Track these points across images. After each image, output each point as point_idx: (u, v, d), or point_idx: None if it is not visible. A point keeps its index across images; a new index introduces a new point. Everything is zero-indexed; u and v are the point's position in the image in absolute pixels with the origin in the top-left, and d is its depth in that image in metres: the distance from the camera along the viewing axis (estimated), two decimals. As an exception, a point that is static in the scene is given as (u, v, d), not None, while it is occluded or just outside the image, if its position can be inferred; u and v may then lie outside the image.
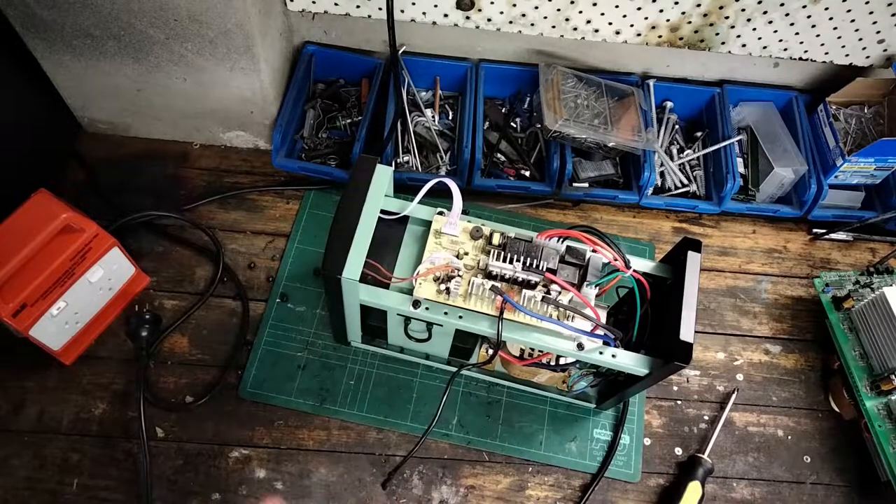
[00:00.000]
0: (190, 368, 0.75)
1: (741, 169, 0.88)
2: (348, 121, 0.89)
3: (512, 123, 0.91)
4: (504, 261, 0.58)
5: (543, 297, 0.57)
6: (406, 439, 0.73)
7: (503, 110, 0.92)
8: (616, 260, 0.60)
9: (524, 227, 0.86)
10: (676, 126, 0.93)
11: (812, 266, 0.88)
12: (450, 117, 0.92)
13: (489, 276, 0.59)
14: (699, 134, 0.91)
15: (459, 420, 0.74)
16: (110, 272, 0.71)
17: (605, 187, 0.88)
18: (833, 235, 0.89)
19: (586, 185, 0.87)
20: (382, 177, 0.61)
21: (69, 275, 0.66)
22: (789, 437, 0.77)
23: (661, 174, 0.90)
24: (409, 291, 0.60)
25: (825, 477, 0.75)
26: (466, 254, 0.61)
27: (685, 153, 0.91)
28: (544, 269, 0.58)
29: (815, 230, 0.89)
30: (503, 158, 0.90)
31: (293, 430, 0.73)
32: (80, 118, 0.87)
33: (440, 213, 0.63)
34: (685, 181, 0.90)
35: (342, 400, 0.74)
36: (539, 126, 0.88)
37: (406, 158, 0.87)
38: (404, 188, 0.87)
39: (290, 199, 0.86)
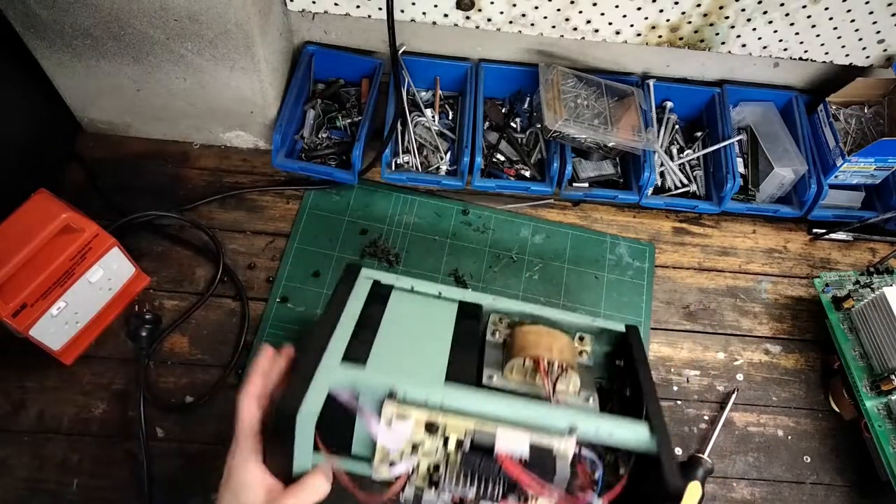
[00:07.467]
0: (190, 368, 0.75)
1: (741, 169, 0.88)
2: (348, 121, 0.89)
3: (512, 123, 0.91)
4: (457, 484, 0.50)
5: None
6: (406, 439, 0.73)
7: (503, 110, 0.92)
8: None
9: (524, 227, 0.87)
10: (676, 126, 0.93)
11: (812, 266, 0.88)
12: (450, 117, 0.92)
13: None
14: (699, 134, 0.91)
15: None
16: (110, 272, 0.71)
17: (605, 187, 0.88)
18: (833, 235, 0.89)
19: (586, 185, 0.87)
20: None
21: (69, 275, 0.66)
22: (789, 437, 0.77)
23: (661, 174, 0.90)
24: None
25: (825, 477, 0.75)
26: (422, 443, 0.51)
27: (685, 153, 0.91)
28: (499, 497, 0.50)
29: (815, 230, 0.89)
30: (503, 158, 0.90)
31: (293, 430, 0.73)
32: (80, 118, 0.87)
33: (390, 397, 0.50)
34: (685, 181, 0.90)
35: (342, 400, 0.74)
36: (539, 126, 0.88)
37: (406, 158, 0.87)
38: (404, 189, 0.87)
39: (290, 199, 0.86)
